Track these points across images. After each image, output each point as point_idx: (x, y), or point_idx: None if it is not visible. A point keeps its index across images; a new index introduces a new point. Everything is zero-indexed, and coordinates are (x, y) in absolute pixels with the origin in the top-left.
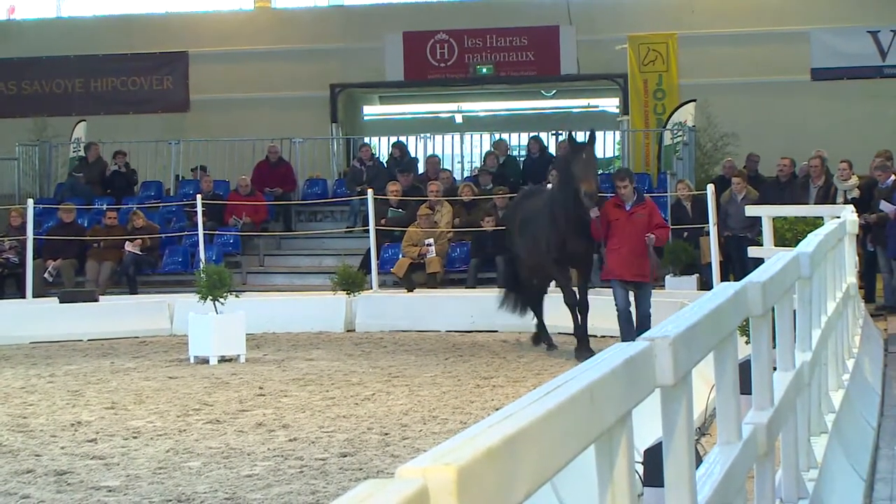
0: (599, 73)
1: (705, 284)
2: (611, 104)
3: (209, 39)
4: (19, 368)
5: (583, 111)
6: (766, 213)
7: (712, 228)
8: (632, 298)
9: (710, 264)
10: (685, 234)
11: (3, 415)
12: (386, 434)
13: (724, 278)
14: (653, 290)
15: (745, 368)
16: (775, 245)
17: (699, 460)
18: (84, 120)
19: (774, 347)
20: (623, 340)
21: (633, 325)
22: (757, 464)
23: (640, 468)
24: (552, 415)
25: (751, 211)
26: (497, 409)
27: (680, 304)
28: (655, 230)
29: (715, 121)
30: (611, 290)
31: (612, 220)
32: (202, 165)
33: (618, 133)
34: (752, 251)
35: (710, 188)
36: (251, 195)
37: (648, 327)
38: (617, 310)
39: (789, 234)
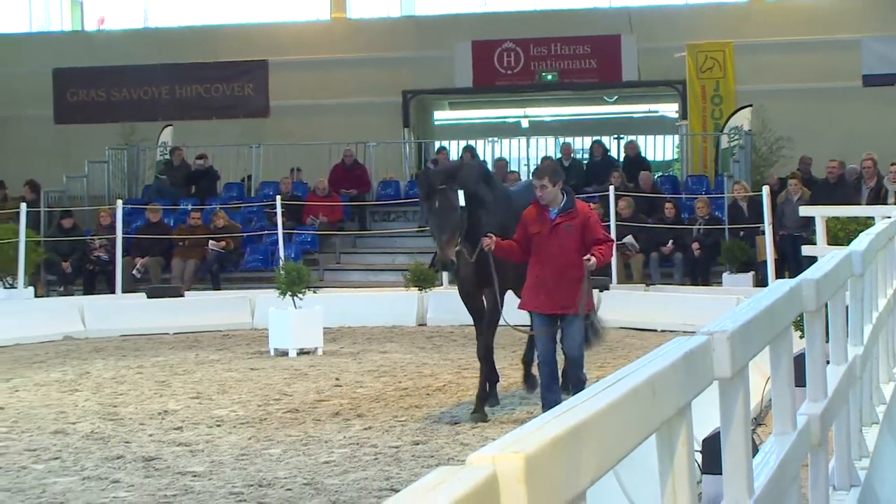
0: (659, 79)
1: (761, 281)
2: (670, 109)
3: (288, 48)
4: (110, 360)
5: (643, 116)
6: (820, 213)
7: (767, 228)
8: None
9: (765, 262)
10: (741, 233)
11: (94, 404)
12: (456, 423)
13: (778, 275)
14: (585, 324)
15: (799, 362)
16: (828, 244)
17: (755, 449)
18: (170, 125)
19: (827, 342)
20: (543, 403)
21: (559, 381)
22: (811, 453)
23: (698, 456)
24: (615, 406)
25: (805, 211)
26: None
27: (736, 300)
28: (594, 249)
29: (770, 125)
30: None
31: (533, 233)
32: (297, 167)
33: (677, 137)
34: (806, 250)
35: (766, 189)
36: (328, 196)
37: (580, 375)
38: (538, 358)
39: (842, 233)
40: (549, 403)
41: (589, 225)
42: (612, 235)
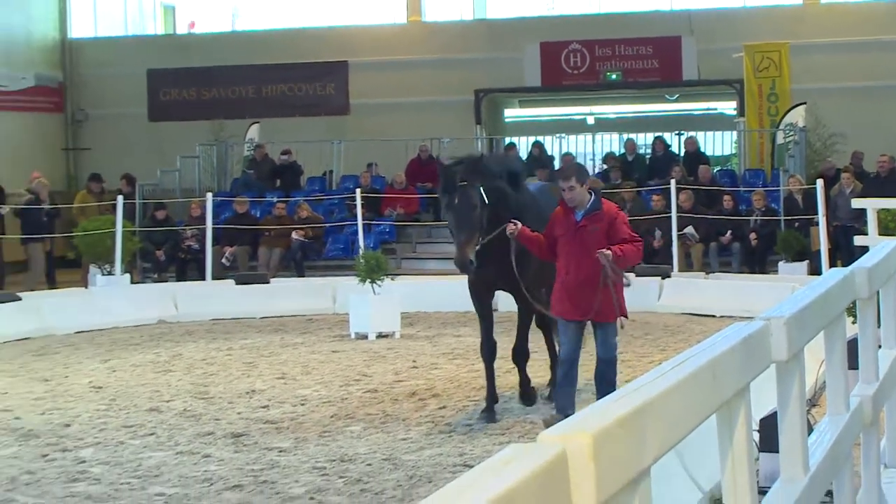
0: (718, 78)
1: (815, 270)
2: (728, 107)
3: (367, 50)
4: (201, 342)
5: (702, 113)
6: (872, 205)
7: (821, 219)
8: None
9: (819, 251)
10: (796, 224)
11: (187, 383)
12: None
13: (832, 264)
14: (618, 329)
15: (852, 346)
16: (880, 234)
17: (810, 429)
18: (257, 122)
19: (879, 327)
20: (557, 407)
21: (573, 385)
22: (863, 432)
23: (756, 436)
24: (678, 387)
25: (857, 203)
26: (626, 383)
27: (792, 288)
28: (619, 245)
29: (823, 121)
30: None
31: (558, 235)
32: (375, 162)
33: (734, 133)
34: (859, 240)
35: (820, 182)
36: (405, 189)
37: (613, 379)
38: (559, 358)
39: (892, 224)
40: (562, 408)
41: (615, 225)
42: (673, 227)
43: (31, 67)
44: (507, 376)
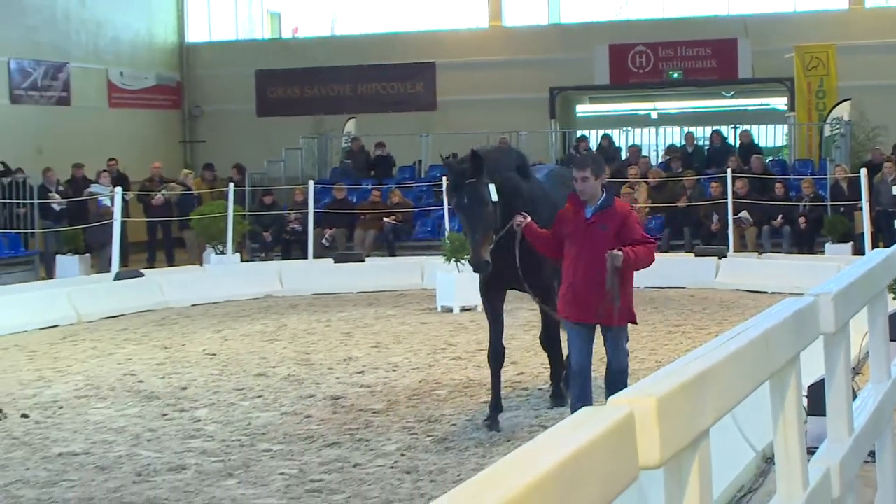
0: (771, 76)
1: (858, 251)
2: (780, 102)
3: (452, 52)
4: (303, 315)
5: (756, 108)
6: None
7: (865, 204)
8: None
9: (862, 234)
10: (842, 209)
11: (291, 351)
12: (594, 369)
13: (874, 246)
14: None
15: (893, 319)
16: None
17: (854, 395)
18: (353, 117)
19: None
20: (572, 409)
21: (588, 390)
22: None
23: (804, 401)
24: (734, 357)
25: None
26: (686, 352)
27: (838, 268)
28: (630, 247)
29: (867, 116)
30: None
31: (567, 232)
32: (454, 153)
33: (786, 126)
34: None
35: (864, 171)
36: None
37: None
38: (570, 370)
39: None
40: (577, 403)
41: (627, 225)
42: (729, 211)
43: (153, 68)
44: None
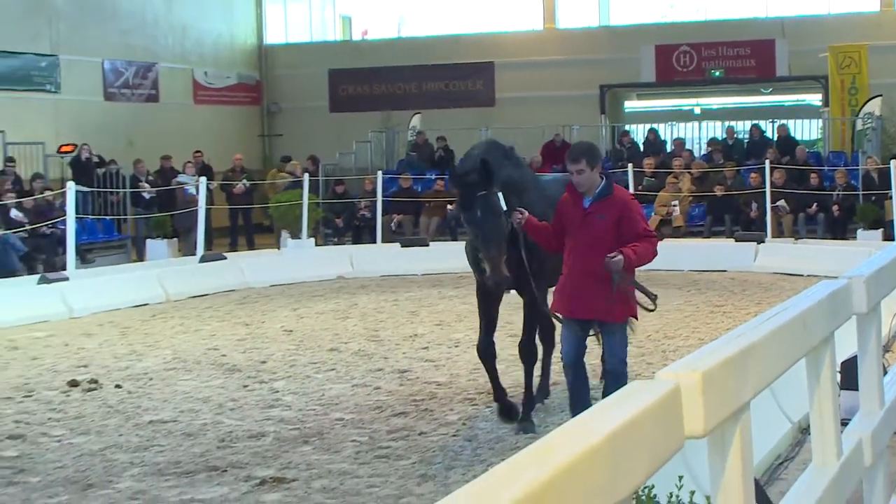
0: (806, 74)
1: (889, 237)
2: (815, 98)
3: (509, 52)
4: (372, 295)
5: (793, 104)
6: None
7: (895, 193)
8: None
9: (892, 221)
10: (873, 198)
11: (361, 328)
12: (641, 346)
13: None
14: (629, 332)
15: None
16: None
17: (885, 370)
18: (418, 113)
19: None
20: (572, 409)
21: (586, 386)
22: None
23: (838, 376)
24: (774, 335)
25: None
26: (727, 330)
27: (869, 252)
28: (629, 245)
29: None
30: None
31: (567, 224)
32: (511, 146)
33: (820, 121)
34: None
35: (893, 163)
36: (540, 168)
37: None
38: (563, 363)
39: None
40: (575, 403)
41: (629, 215)
42: (767, 200)
43: (234, 68)
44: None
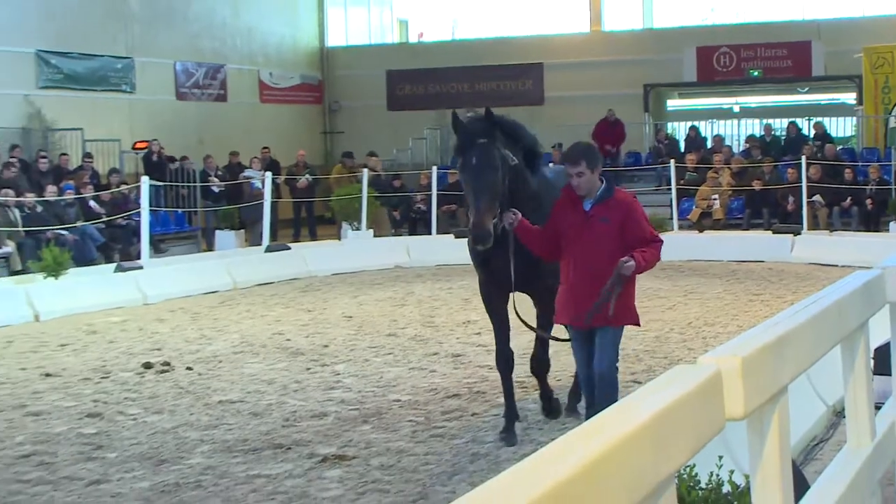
0: (841, 74)
1: None
2: (849, 97)
3: (557, 53)
4: (428, 283)
5: (828, 102)
6: None
7: None
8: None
9: None
10: None
11: (417, 315)
12: (683, 333)
13: None
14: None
15: None
16: None
17: None
18: (471, 110)
19: None
20: (586, 416)
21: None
22: None
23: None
24: (810, 322)
25: None
26: (765, 318)
27: None
28: (637, 251)
29: None
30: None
31: (566, 228)
32: (559, 143)
33: (854, 119)
34: None
35: None
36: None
37: (611, 397)
38: (578, 378)
39: None
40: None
41: (633, 219)
42: (803, 194)
43: (298, 69)
44: (668, 311)
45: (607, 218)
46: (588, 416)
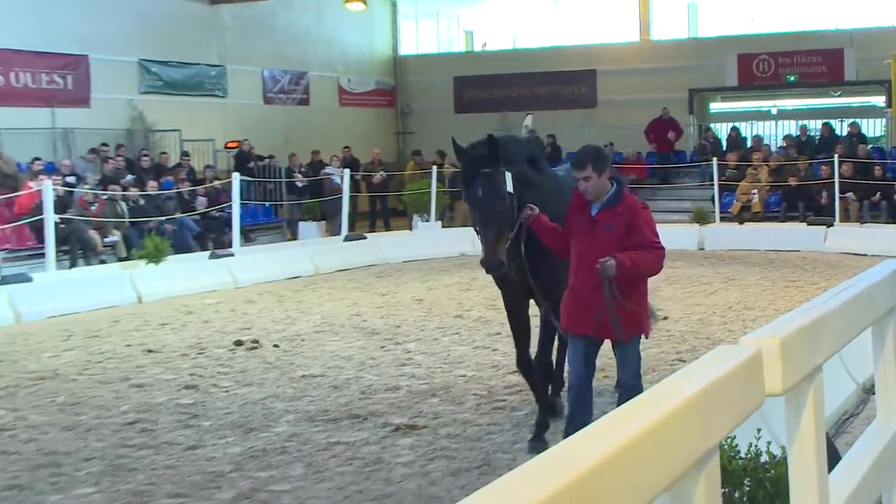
0: (871, 79)
1: None
2: (879, 100)
3: (609, 61)
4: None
5: (859, 105)
6: None
7: None
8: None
9: None
10: None
11: (481, 298)
12: (724, 316)
13: None
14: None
15: None
16: None
17: None
18: (531, 114)
19: None
20: (565, 431)
21: (588, 413)
22: None
23: None
24: (843, 307)
25: None
26: (800, 302)
27: None
28: (624, 253)
29: None
30: None
31: (573, 233)
32: (611, 142)
33: (884, 120)
34: None
35: None
36: (636, 161)
37: None
38: (568, 383)
39: None
40: (570, 426)
41: (636, 224)
42: (836, 189)
43: (373, 75)
44: (711, 296)
45: (612, 225)
46: (567, 434)
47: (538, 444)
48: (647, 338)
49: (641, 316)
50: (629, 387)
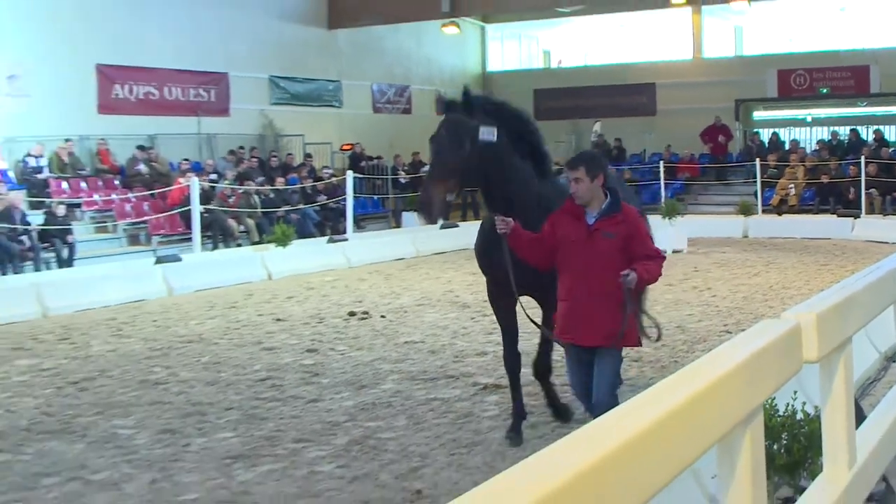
0: (894, 92)
1: None
2: None
3: (667, 75)
4: None
5: (882, 114)
6: None
7: None
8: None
9: None
10: None
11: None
12: (765, 294)
13: None
14: (622, 358)
15: None
16: None
17: None
18: (599, 121)
19: None
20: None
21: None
22: None
23: None
24: (870, 287)
25: None
26: (832, 283)
27: None
28: (638, 263)
29: None
30: None
31: (567, 241)
32: (670, 144)
33: None
34: None
35: None
36: (690, 161)
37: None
38: (574, 393)
39: None
40: None
41: (638, 235)
42: (862, 186)
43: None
44: (754, 277)
45: (612, 233)
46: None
47: (516, 436)
48: (640, 345)
49: (635, 326)
50: (602, 406)
